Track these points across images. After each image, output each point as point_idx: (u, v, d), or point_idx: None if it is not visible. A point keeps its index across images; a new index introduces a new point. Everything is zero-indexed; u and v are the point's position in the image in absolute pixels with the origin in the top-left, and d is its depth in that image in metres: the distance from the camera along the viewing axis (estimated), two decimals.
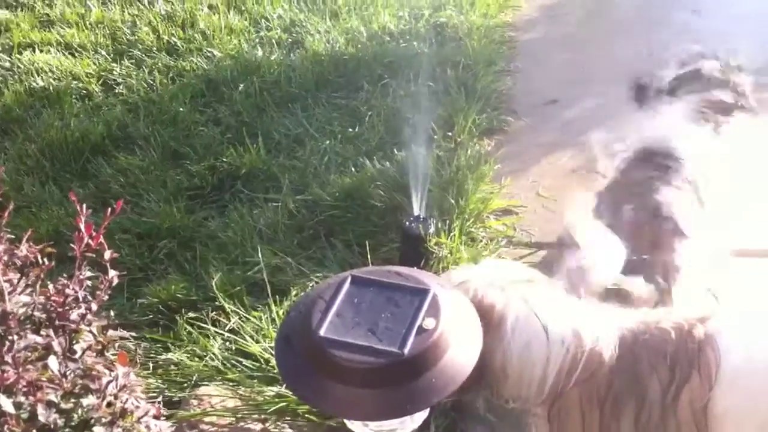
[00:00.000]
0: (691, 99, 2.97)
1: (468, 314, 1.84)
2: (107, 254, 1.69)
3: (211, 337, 2.72)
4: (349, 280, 1.84)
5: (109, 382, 1.54)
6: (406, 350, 1.65)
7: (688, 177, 2.60)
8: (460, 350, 1.74)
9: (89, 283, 1.72)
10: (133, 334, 2.75)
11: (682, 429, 1.87)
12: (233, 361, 2.60)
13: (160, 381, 2.60)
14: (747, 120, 2.96)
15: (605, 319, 1.99)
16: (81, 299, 1.66)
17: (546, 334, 1.95)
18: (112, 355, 1.72)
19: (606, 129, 3.94)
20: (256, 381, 2.51)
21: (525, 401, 2.01)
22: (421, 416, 1.96)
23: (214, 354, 2.64)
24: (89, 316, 1.66)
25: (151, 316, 2.92)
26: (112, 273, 1.70)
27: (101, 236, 1.68)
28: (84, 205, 1.70)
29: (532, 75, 4.65)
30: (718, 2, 5.42)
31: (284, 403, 2.37)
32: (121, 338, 1.77)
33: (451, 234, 3.08)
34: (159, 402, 2.18)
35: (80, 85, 4.50)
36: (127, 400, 1.56)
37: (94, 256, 1.71)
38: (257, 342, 2.63)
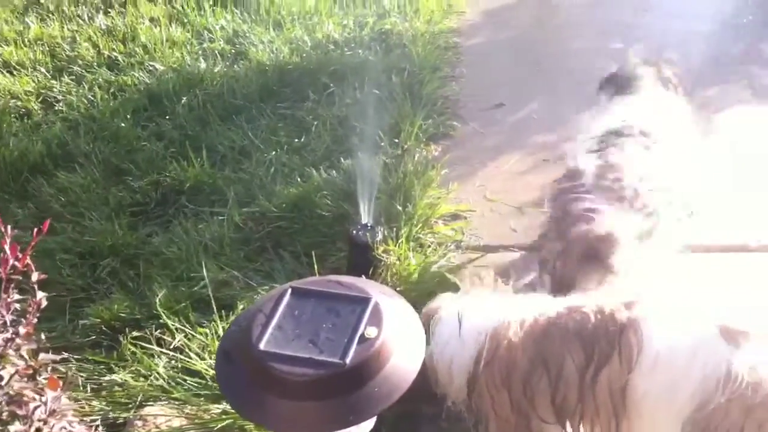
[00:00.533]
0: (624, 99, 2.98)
1: (411, 321, 1.82)
2: (34, 276, 1.62)
3: (156, 356, 2.66)
4: (289, 292, 1.81)
5: (36, 408, 1.48)
6: (348, 360, 1.63)
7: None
8: (403, 357, 1.72)
9: (17, 306, 1.64)
10: (76, 356, 2.70)
11: (600, 410, 1.89)
12: (179, 380, 2.54)
13: (104, 403, 2.52)
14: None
15: (523, 307, 2.00)
16: (8, 323, 1.60)
17: (459, 330, 1.98)
18: (45, 379, 1.66)
19: (552, 131, 3.99)
20: (202, 399, 2.45)
21: (456, 398, 2.04)
22: (367, 425, 1.92)
23: (158, 373, 2.57)
24: (18, 340, 1.59)
25: (93, 337, 2.84)
26: (41, 295, 1.64)
27: (27, 258, 1.61)
28: (9, 226, 1.63)
29: (478, 80, 4.66)
30: (662, 2, 5.48)
31: (230, 420, 2.32)
32: (54, 361, 1.70)
33: (399, 241, 3.06)
34: (97, 425, 2.11)
35: (19, 103, 4.40)
36: (54, 425, 1.49)
37: (21, 278, 1.63)
38: (203, 359, 2.57)
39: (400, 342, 1.73)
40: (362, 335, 1.68)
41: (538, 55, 4.93)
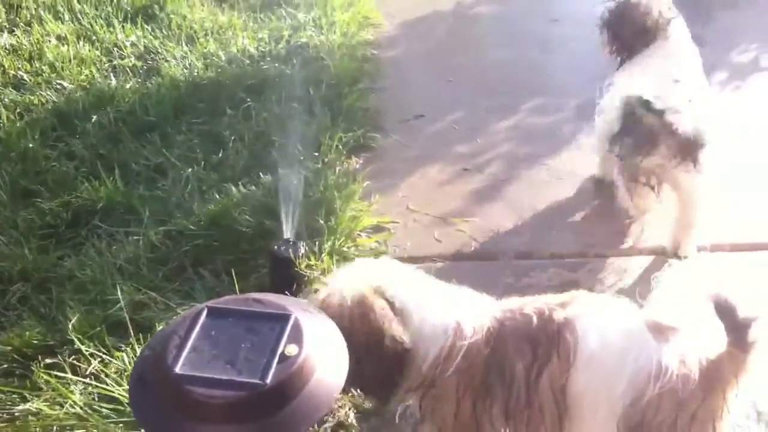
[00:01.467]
0: None
1: (333, 337, 1.78)
2: None
3: (72, 383, 2.54)
4: (205, 312, 1.74)
5: None
6: (269, 380, 1.57)
7: None
8: (326, 374, 1.67)
9: None
10: None
11: (545, 409, 1.93)
12: (95, 407, 2.43)
13: None
14: None
15: (480, 309, 2.03)
16: None
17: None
18: None
19: (472, 140, 4.02)
20: (120, 426, 2.36)
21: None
22: None
23: (74, 401, 2.46)
24: None
25: (5, 366, 2.71)
26: None
27: None
28: None
29: (397, 91, 4.67)
30: (572, 11, 5.59)
31: None
32: None
33: (322, 255, 3.01)
34: None
35: None
36: None
37: None
38: (120, 385, 2.47)
39: (322, 358, 1.68)
40: (283, 353, 1.62)
41: (455, 66, 4.97)
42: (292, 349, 1.63)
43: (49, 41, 4.97)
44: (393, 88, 4.70)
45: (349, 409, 2.49)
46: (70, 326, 2.74)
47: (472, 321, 1.99)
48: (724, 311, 1.84)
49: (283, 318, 1.69)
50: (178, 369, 1.60)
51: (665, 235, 3.21)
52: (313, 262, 2.96)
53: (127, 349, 2.64)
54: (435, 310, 2.03)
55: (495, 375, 1.94)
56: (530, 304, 2.01)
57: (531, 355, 1.92)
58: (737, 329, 1.83)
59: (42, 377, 2.58)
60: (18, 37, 5.06)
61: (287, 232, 3.06)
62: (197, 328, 1.68)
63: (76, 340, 2.66)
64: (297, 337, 1.65)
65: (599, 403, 1.90)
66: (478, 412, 1.96)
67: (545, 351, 1.91)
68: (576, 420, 1.93)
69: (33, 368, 2.63)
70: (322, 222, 3.23)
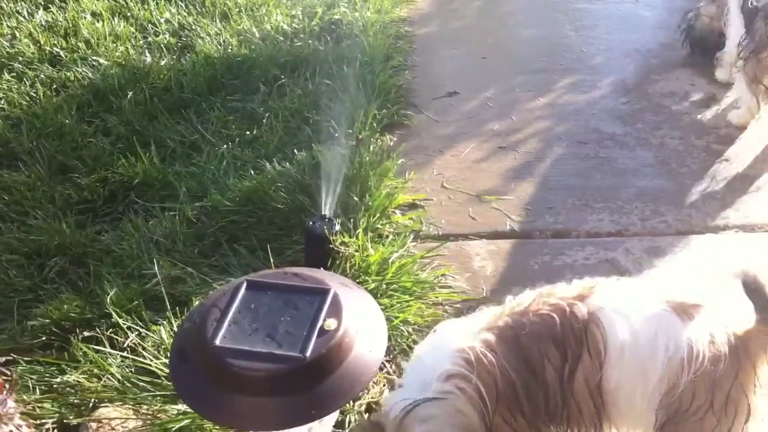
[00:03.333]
0: None
1: (371, 312, 1.78)
2: None
3: (109, 356, 2.57)
4: (244, 285, 1.75)
5: None
6: (308, 353, 1.57)
7: None
8: (365, 349, 1.67)
9: None
10: (26, 357, 2.60)
11: (582, 408, 1.88)
12: (133, 380, 2.45)
13: (56, 405, 2.43)
14: None
15: (471, 329, 1.95)
16: None
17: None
18: None
19: (506, 118, 3.98)
20: (158, 399, 2.37)
21: None
22: (330, 419, 1.88)
23: (112, 374, 2.49)
24: None
25: (44, 338, 2.73)
26: None
27: None
28: None
29: (431, 68, 4.63)
30: None
31: (188, 420, 2.25)
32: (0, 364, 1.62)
33: (357, 232, 3.01)
34: (49, 428, 2.03)
35: None
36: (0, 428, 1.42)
37: None
38: (157, 358, 2.49)
39: (361, 333, 1.68)
40: (322, 328, 1.63)
41: (489, 43, 4.92)
42: (331, 324, 1.63)
43: (85, 17, 5.00)
44: (426, 66, 4.67)
45: (384, 385, 2.49)
46: (108, 300, 2.76)
47: (471, 338, 1.92)
48: (753, 289, 1.82)
49: (322, 292, 1.69)
50: (218, 342, 1.61)
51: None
52: (347, 239, 2.95)
53: (164, 323, 2.66)
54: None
55: (522, 380, 1.87)
56: (542, 302, 1.94)
57: (560, 357, 1.87)
58: (766, 307, 1.81)
59: (80, 350, 2.60)
60: (53, 13, 5.09)
61: (322, 209, 3.06)
62: (237, 302, 1.69)
63: (113, 313, 2.68)
64: (336, 312, 1.66)
65: (636, 396, 1.86)
66: (531, 421, 1.91)
67: (574, 351, 1.86)
68: (614, 414, 1.90)
69: (71, 341, 2.66)
70: (356, 199, 3.22)
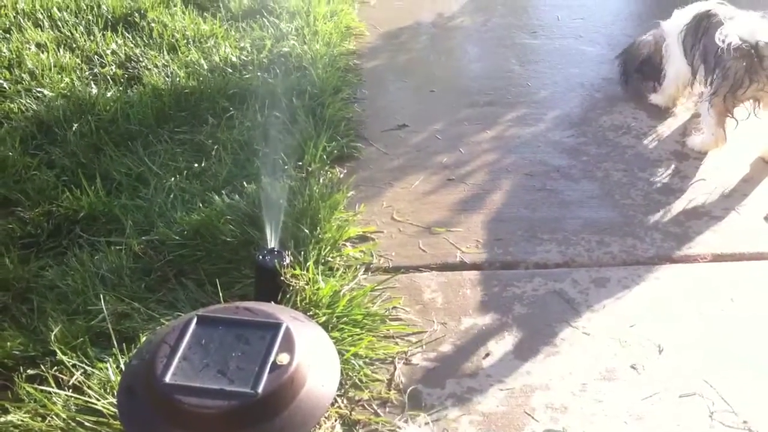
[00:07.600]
0: None
1: (324, 345, 1.77)
2: None
3: (54, 395, 2.50)
4: (194, 320, 1.72)
5: None
6: (260, 389, 1.55)
7: None
8: (317, 383, 1.66)
9: None
10: None
11: None
12: (79, 419, 2.39)
13: None
14: None
15: None
16: None
17: None
18: None
19: (455, 150, 4.03)
20: None
21: None
22: None
23: (57, 413, 2.42)
24: None
25: None
26: None
27: None
28: None
29: (380, 101, 4.67)
30: (552, 26, 5.66)
31: None
32: None
33: (307, 265, 2.99)
34: None
35: None
36: None
37: None
38: (104, 397, 2.43)
39: (313, 367, 1.67)
40: (274, 362, 1.62)
41: (437, 76, 4.99)
42: (283, 358, 1.62)
43: (29, 48, 4.93)
44: (375, 98, 4.70)
45: (335, 420, 2.46)
46: (52, 337, 2.69)
47: None
48: None
49: (274, 327, 1.68)
50: (168, 379, 1.59)
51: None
52: (298, 271, 2.94)
53: (111, 360, 2.60)
54: None
55: None
56: None
57: None
58: None
59: (24, 389, 2.53)
60: None
61: (271, 242, 3.04)
62: (187, 337, 1.67)
63: (58, 351, 2.61)
64: (288, 346, 1.65)
65: None
66: None
67: None
68: None
69: (15, 380, 2.59)
70: (306, 231, 3.21)
